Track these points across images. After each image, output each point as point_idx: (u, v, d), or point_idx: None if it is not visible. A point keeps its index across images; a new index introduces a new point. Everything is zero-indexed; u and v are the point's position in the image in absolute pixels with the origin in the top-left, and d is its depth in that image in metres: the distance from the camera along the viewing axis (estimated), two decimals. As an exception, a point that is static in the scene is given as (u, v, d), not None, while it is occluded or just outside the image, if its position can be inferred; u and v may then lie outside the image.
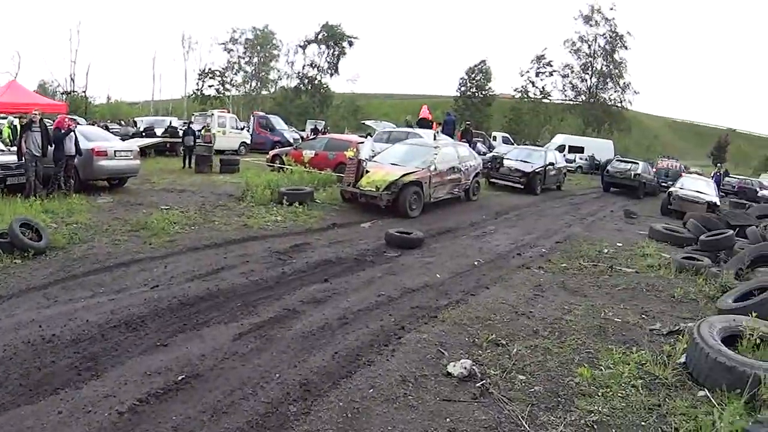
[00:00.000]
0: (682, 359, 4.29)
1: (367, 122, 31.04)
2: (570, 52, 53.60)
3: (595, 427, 3.40)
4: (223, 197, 11.49)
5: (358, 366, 4.09)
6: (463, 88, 55.31)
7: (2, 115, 16.75)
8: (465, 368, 4.02)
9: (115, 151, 11.71)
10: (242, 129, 25.98)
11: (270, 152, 18.28)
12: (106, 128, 20.13)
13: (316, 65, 56.01)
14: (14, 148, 10.85)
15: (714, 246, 9.00)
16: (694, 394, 3.85)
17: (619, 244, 9.81)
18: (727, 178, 30.56)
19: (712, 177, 24.10)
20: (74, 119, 17.20)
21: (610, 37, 52.14)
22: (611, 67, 52.66)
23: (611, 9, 51.39)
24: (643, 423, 3.46)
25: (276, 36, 60.03)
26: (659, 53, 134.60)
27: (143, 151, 16.55)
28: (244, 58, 59.57)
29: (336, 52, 55.23)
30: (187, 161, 17.43)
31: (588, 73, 53.54)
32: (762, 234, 9.54)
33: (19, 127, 12.28)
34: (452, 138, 17.70)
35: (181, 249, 7.36)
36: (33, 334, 4.36)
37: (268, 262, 6.94)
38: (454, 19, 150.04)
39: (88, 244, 7.31)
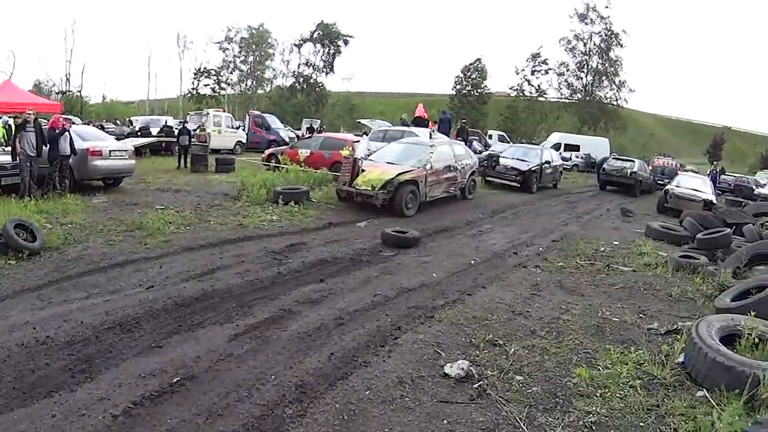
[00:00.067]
0: (681, 359, 4.27)
1: (363, 121, 30.91)
2: (565, 50, 53.74)
3: (594, 428, 3.38)
4: (218, 197, 11.44)
5: (354, 367, 4.07)
6: (458, 87, 55.22)
7: (-3, 115, 16.65)
8: (462, 369, 4.00)
9: (109, 151, 11.65)
10: (238, 128, 25.91)
11: (265, 151, 18.27)
12: (102, 128, 20.02)
13: (311, 64, 55.89)
14: (8, 149, 10.77)
15: (711, 244, 9.01)
16: (693, 395, 3.83)
17: (616, 243, 9.81)
18: (723, 176, 30.64)
19: (708, 175, 24.12)
20: (69, 119, 17.13)
21: (606, 35, 52.23)
22: (607, 65, 52.76)
23: (606, 7, 51.50)
24: (641, 424, 3.45)
25: (271, 35, 60.02)
26: (654, 51, 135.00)
27: (138, 151, 16.49)
28: (239, 57, 59.40)
29: (331, 51, 55.08)
30: (182, 161, 17.35)
31: (583, 71, 53.64)
32: (759, 232, 9.56)
33: (13, 127, 12.21)
34: (448, 136, 17.70)
35: (177, 249, 7.32)
36: (27, 336, 4.32)
37: (263, 262, 6.91)
38: (450, 17, 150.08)
39: (83, 245, 7.25)
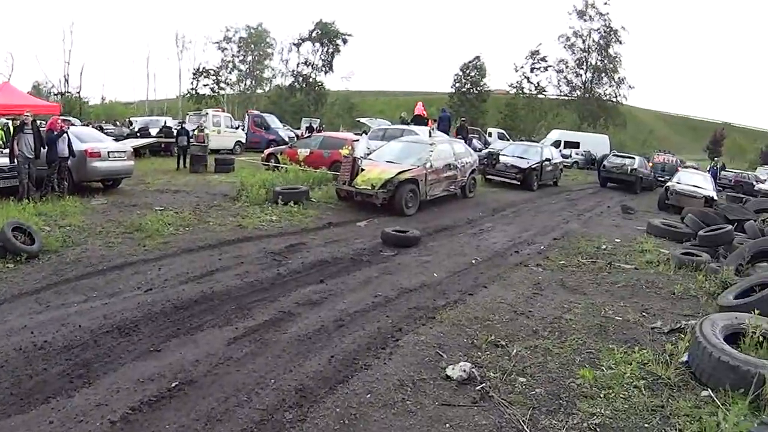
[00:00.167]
0: (685, 358, 4.23)
1: (362, 120, 30.88)
2: (564, 47, 53.82)
3: (598, 430, 3.34)
4: (217, 197, 11.39)
5: (355, 370, 4.02)
6: (457, 85, 55.22)
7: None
8: (464, 371, 3.95)
9: (108, 152, 11.60)
10: (237, 128, 25.87)
11: (265, 151, 18.22)
12: (101, 129, 19.99)
13: (310, 63, 55.93)
14: (7, 151, 10.73)
15: (713, 241, 8.96)
16: (698, 395, 3.79)
17: (618, 240, 9.76)
18: (723, 172, 30.58)
19: (709, 171, 24.07)
20: (68, 120, 17.07)
21: (605, 31, 52.28)
22: (606, 61, 52.79)
23: (605, 4, 51.60)
24: (646, 425, 3.40)
25: (270, 34, 60.13)
26: (654, 47, 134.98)
27: (137, 152, 16.44)
28: (238, 56, 59.41)
29: (330, 50, 55.12)
30: (181, 161, 17.32)
31: (583, 68, 53.69)
32: (761, 228, 9.51)
33: (11, 129, 12.16)
34: (448, 135, 17.65)
35: (176, 251, 7.27)
36: (25, 340, 4.28)
37: (263, 263, 6.86)
38: (448, 16, 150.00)
39: (82, 247, 7.21)
